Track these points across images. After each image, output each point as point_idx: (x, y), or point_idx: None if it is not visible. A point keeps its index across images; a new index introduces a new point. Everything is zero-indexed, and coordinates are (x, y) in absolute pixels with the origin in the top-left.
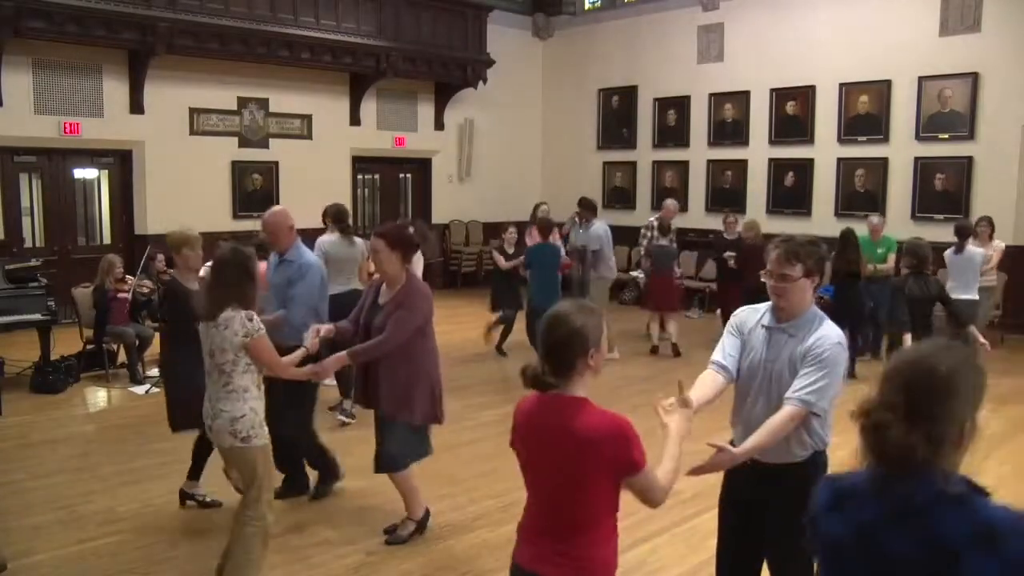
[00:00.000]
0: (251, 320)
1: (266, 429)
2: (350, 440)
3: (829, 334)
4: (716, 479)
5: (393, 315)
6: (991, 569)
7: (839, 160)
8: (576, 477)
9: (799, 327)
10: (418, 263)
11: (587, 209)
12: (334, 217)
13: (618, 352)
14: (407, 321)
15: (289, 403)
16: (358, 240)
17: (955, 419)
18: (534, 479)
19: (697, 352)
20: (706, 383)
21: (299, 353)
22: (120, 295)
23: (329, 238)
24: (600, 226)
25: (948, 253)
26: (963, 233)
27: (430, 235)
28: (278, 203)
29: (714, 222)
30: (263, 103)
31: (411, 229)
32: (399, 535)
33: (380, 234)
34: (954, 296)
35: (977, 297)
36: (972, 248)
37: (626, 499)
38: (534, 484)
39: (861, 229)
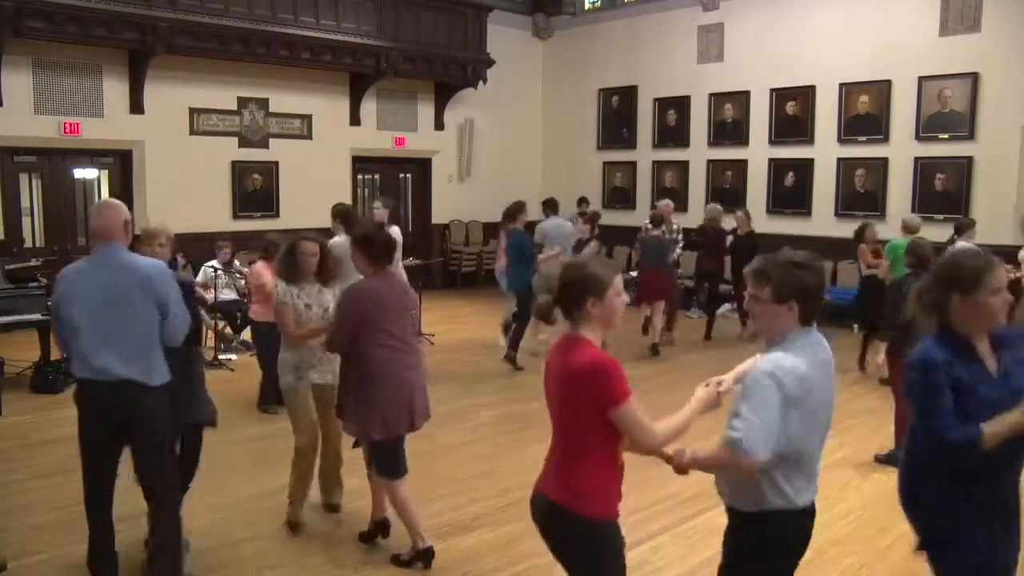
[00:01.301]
0: (278, 290)
1: (300, 373)
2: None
3: (762, 363)
4: (714, 480)
5: None
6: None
7: (839, 160)
8: (569, 408)
9: (768, 350)
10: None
11: (545, 206)
12: (341, 217)
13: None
14: (336, 323)
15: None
16: None
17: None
18: (550, 410)
19: (694, 352)
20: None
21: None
22: None
23: (340, 239)
24: (549, 221)
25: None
26: (957, 229)
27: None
28: (278, 203)
29: None
30: (263, 103)
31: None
32: (400, 557)
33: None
34: None
35: None
36: (960, 243)
37: (628, 500)
38: (550, 414)
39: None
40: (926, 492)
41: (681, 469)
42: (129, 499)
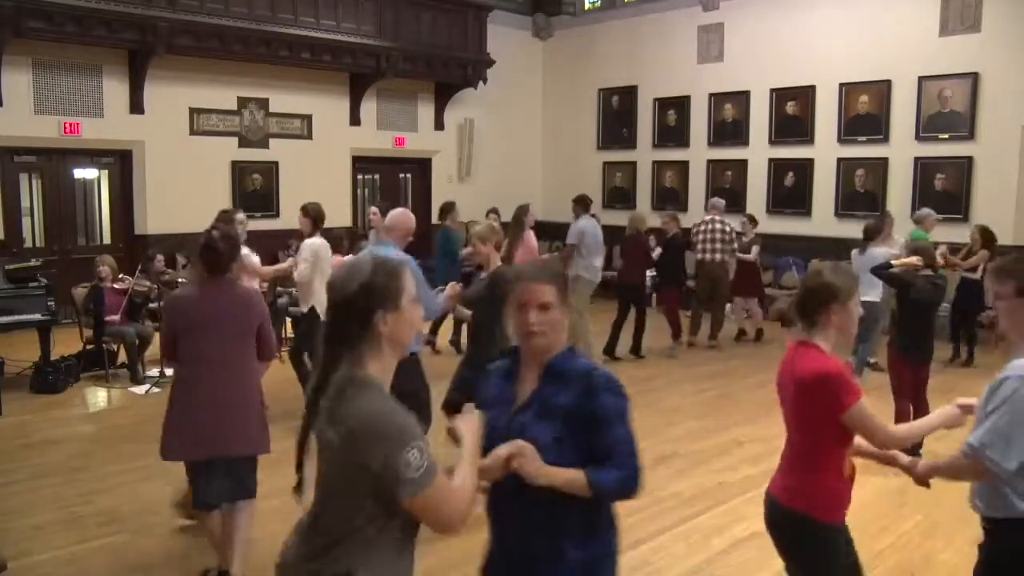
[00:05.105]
0: None
1: None
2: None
3: (1014, 368)
4: (713, 481)
5: None
6: None
7: (839, 160)
8: (802, 413)
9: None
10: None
11: (577, 204)
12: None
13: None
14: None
15: None
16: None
17: None
18: (783, 414)
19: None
20: None
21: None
22: (112, 312)
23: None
24: (584, 222)
25: (854, 253)
26: (867, 234)
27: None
28: (278, 203)
29: None
30: (263, 103)
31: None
32: None
33: None
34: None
35: (877, 299)
36: (874, 250)
37: (630, 500)
38: (784, 418)
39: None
40: None
41: (921, 479)
42: (131, 499)
